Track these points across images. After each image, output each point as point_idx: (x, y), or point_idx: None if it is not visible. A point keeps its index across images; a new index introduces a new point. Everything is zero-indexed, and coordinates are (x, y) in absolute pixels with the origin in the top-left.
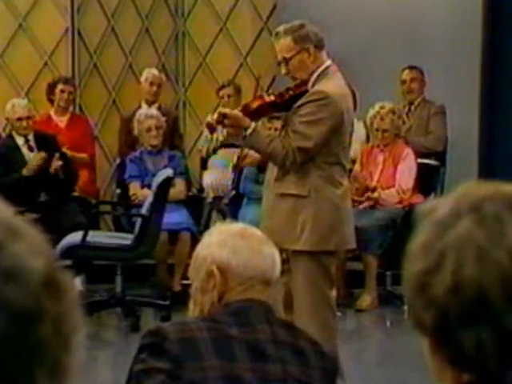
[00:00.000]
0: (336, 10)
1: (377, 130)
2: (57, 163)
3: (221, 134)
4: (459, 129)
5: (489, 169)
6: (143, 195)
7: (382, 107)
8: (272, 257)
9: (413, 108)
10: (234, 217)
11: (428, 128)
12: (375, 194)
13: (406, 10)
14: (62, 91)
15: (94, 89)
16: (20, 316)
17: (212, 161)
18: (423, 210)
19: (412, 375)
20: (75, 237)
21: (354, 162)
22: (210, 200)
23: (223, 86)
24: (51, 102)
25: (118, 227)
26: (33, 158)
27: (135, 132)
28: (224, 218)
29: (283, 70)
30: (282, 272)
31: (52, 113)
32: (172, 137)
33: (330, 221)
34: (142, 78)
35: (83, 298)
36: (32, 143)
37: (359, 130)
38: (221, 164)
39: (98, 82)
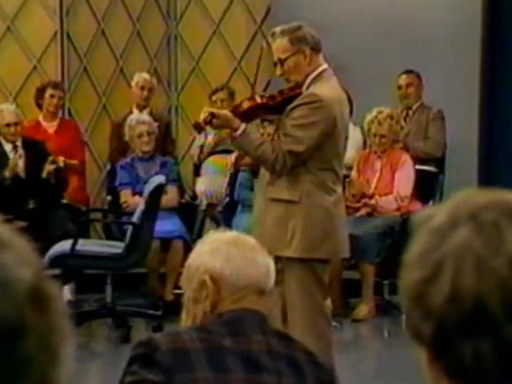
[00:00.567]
0: (332, 12)
1: (374, 135)
2: (50, 167)
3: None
4: (458, 134)
5: (489, 175)
6: (134, 203)
7: (379, 112)
8: (266, 265)
9: (411, 113)
10: (228, 225)
11: (426, 133)
12: (372, 201)
13: (404, 13)
14: (51, 96)
15: (84, 93)
16: (3, 330)
17: (205, 167)
18: (420, 218)
19: None
20: (64, 245)
21: (350, 168)
22: (203, 207)
23: (216, 91)
24: (40, 106)
25: (109, 235)
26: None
27: (126, 138)
28: (218, 225)
29: (278, 71)
30: (276, 282)
31: (41, 118)
32: (164, 143)
33: (322, 227)
34: (133, 83)
35: (73, 307)
36: (20, 149)
37: (356, 136)
38: (214, 170)
39: (87, 86)
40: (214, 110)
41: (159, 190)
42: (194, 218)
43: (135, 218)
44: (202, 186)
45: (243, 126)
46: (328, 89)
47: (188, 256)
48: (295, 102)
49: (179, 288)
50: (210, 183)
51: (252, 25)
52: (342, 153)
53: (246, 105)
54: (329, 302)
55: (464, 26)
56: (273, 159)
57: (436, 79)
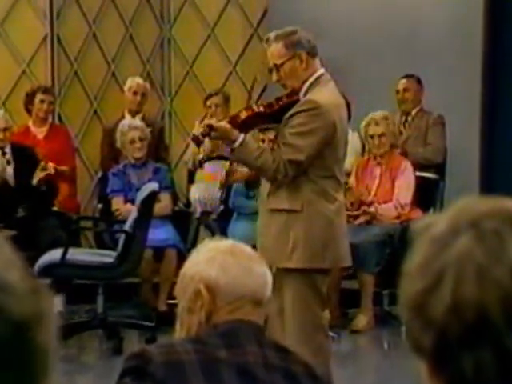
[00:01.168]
0: (330, 15)
1: (372, 136)
2: (41, 174)
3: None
4: (459, 140)
5: (490, 182)
6: (127, 210)
7: (374, 114)
8: (263, 275)
9: (410, 118)
10: (223, 233)
11: (426, 139)
12: (372, 209)
13: (403, 16)
14: (41, 101)
15: (75, 98)
16: (18, 323)
17: (200, 174)
18: (419, 227)
19: None
20: (54, 254)
21: (348, 174)
22: (197, 215)
23: (211, 95)
24: (29, 112)
25: (100, 244)
26: None
27: (118, 144)
28: (212, 234)
29: (274, 77)
30: (277, 294)
31: (30, 123)
32: (157, 149)
33: (324, 237)
34: (126, 87)
35: (63, 319)
36: (9, 156)
37: (354, 142)
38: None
39: (78, 91)
40: (212, 123)
41: (152, 197)
42: (188, 227)
43: (127, 227)
44: (196, 193)
45: (241, 136)
46: (326, 94)
47: (182, 265)
48: (293, 110)
49: (173, 298)
50: (204, 190)
51: (248, 28)
52: (343, 159)
53: (243, 115)
54: (327, 314)
55: (465, 30)
56: (274, 169)
57: (436, 83)
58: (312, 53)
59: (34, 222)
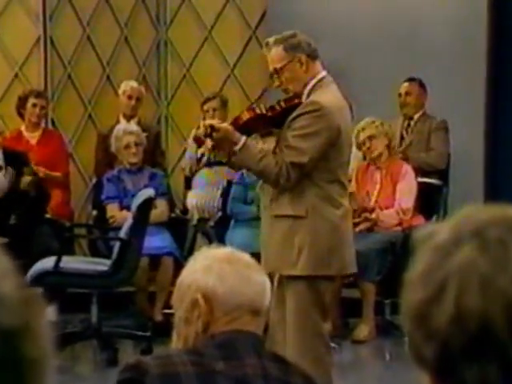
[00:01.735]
0: (330, 16)
1: (363, 143)
2: (26, 178)
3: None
4: (463, 145)
5: (495, 188)
6: (122, 217)
7: (360, 123)
8: (262, 284)
9: (412, 123)
10: (221, 240)
11: (429, 144)
12: (373, 215)
13: (405, 18)
14: (34, 105)
15: (69, 102)
16: (7, 334)
17: (196, 180)
18: (422, 236)
19: None
20: (47, 262)
21: (350, 180)
22: (194, 222)
23: (208, 99)
24: (22, 116)
25: (95, 252)
26: None
27: (113, 149)
28: (210, 241)
29: (276, 83)
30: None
31: (23, 128)
32: (153, 154)
33: (330, 243)
34: (120, 91)
35: (56, 329)
36: (1, 161)
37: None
38: (206, 183)
39: (72, 94)
40: (214, 123)
41: (148, 203)
42: (185, 234)
43: (122, 234)
44: (193, 199)
45: (243, 139)
46: (329, 96)
47: (178, 274)
48: (296, 112)
49: (169, 308)
50: (201, 197)
51: (246, 30)
52: (347, 162)
53: (245, 116)
54: (328, 324)
55: (467, 36)
56: (276, 173)
57: (438, 90)
58: (312, 55)
59: (27, 229)
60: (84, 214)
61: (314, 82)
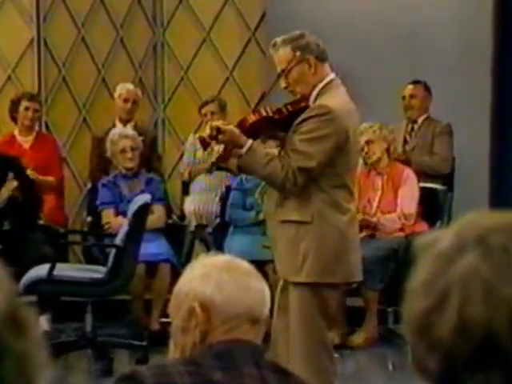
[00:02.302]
0: (333, 18)
1: (362, 149)
2: (10, 185)
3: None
4: (467, 149)
5: (501, 193)
6: (117, 223)
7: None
8: (261, 292)
9: (416, 127)
10: (219, 247)
11: (433, 149)
12: (374, 219)
13: (409, 19)
14: (27, 108)
15: (63, 105)
16: None
17: (194, 185)
18: (424, 243)
19: None
20: (41, 270)
21: None
22: (192, 228)
23: (206, 103)
24: (15, 120)
25: (89, 259)
26: None
27: (108, 153)
28: (208, 248)
29: (283, 84)
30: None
31: (16, 132)
32: (149, 159)
33: (336, 250)
34: (116, 94)
35: (49, 338)
36: None
37: None
38: (204, 188)
39: (66, 97)
40: (220, 125)
41: (144, 209)
42: (183, 240)
43: (118, 241)
44: (190, 205)
45: (249, 142)
46: (337, 99)
47: (175, 281)
48: (303, 116)
49: (166, 316)
50: (199, 202)
51: (245, 31)
52: (355, 168)
53: (251, 119)
54: (333, 334)
55: (473, 37)
56: (283, 177)
57: (442, 93)
58: (321, 57)
59: (20, 236)
60: (78, 220)
61: (322, 84)
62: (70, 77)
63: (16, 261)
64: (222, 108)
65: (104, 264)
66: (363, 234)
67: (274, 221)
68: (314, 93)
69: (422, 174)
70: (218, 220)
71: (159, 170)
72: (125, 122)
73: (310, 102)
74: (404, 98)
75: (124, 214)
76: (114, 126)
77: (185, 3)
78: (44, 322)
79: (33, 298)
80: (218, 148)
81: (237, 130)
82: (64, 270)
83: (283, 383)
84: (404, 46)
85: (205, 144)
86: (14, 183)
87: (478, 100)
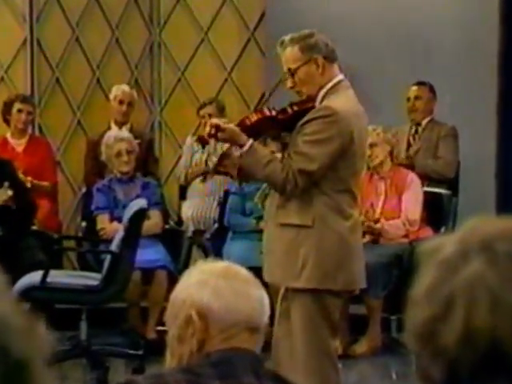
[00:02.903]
0: (331, 17)
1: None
2: (5, 194)
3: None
4: (473, 153)
5: (507, 198)
6: (113, 229)
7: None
8: (260, 300)
9: (420, 129)
10: (218, 253)
11: (437, 152)
12: (378, 225)
13: (414, 19)
14: (20, 111)
15: (57, 108)
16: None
17: (192, 189)
18: (427, 249)
19: None
20: (34, 277)
21: None
22: (189, 234)
23: (205, 105)
24: (7, 122)
25: (84, 266)
26: None
27: (103, 157)
28: (206, 254)
29: (289, 84)
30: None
31: (8, 135)
32: (146, 162)
33: (337, 255)
34: (111, 96)
35: None
36: None
37: None
38: (202, 193)
39: (60, 99)
40: (220, 123)
41: (140, 214)
42: (180, 246)
43: (114, 247)
44: (188, 210)
45: (250, 141)
46: (344, 101)
47: (172, 288)
48: (308, 117)
49: (162, 324)
50: (197, 207)
51: (244, 31)
52: (360, 172)
53: (253, 118)
54: (337, 343)
55: (479, 38)
56: (283, 179)
57: (446, 92)
58: (330, 57)
59: (12, 242)
60: (73, 225)
61: (329, 85)
62: (64, 78)
63: (9, 267)
64: (221, 110)
65: (99, 271)
66: (366, 239)
67: (273, 224)
68: (321, 94)
69: (426, 179)
70: (216, 225)
71: (156, 173)
72: (120, 125)
73: (317, 103)
74: (408, 99)
75: (119, 219)
76: (109, 128)
77: (182, 2)
78: None
79: (26, 306)
80: (222, 146)
81: (237, 129)
82: (58, 276)
83: None
84: (404, 45)
85: (203, 142)
86: (9, 192)
87: (482, 101)
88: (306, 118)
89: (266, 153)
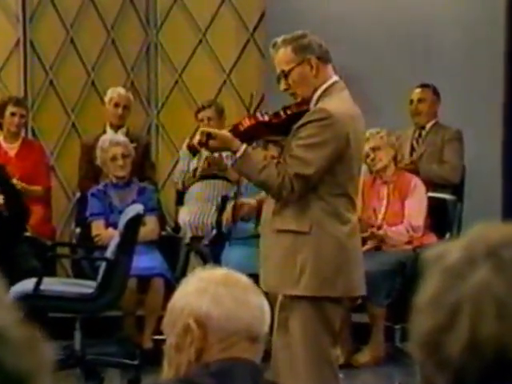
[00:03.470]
0: (332, 18)
1: (367, 155)
2: None
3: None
4: (478, 157)
5: None
6: (108, 236)
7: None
8: (260, 308)
9: (424, 133)
10: (216, 260)
11: (442, 156)
12: (381, 232)
13: (415, 19)
14: (13, 114)
15: (50, 111)
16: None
17: (189, 195)
18: (432, 256)
19: None
20: (27, 284)
21: None
22: (187, 241)
23: (203, 108)
24: (0, 126)
25: (78, 273)
26: None
27: (98, 161)
28: (204, 261)
29: (282, 86)
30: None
31: (1, 139)
32: (142, 167)
33: (335, 262)
34: (107, 99)
35: None
36: None
37: None
38: (200, 198)
39: (54, 102)
40: (211, 130)
41: (136, 220)
42: (177, 253)
43: (109, 254)
44: (185, 216)
45: (243, 146)
46: (339, 103)
47: (170, 297)
48: (303, 120)
49: (159, 333)
50: (195, 213)
51: (243, 32)
52: (357, 176)
53: (246, 124)
54: (338, 352)
55: (485, 39)
56: (278, 184)
57: (452, 98)
58: (324, 58)
59: (5, 248)
60: (67, 231)
61: (324, 87)
62: (58, 80)
63: (1, 275)
64: (220, 113)
65: (94, 278)
66: (368, 246)
67: (269, 230)
68: (316, 95)
69: (430, 184)
70: (214, 232)
71: (152, 178)
72: (116, 128)
73: (311, 105)
74: (411, 102)
75: (115, 225)
76: (104, 132)
77: (179, 2)
78: None
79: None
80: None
81: (229, 135)
82: (51, 284)
83: None
84: (404, 46)
85: (194, 150)
86: (0, 200)
87: (487, 103)
88: (301, 122)
89: (260, 158)
